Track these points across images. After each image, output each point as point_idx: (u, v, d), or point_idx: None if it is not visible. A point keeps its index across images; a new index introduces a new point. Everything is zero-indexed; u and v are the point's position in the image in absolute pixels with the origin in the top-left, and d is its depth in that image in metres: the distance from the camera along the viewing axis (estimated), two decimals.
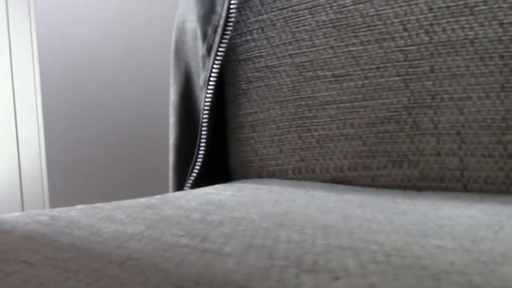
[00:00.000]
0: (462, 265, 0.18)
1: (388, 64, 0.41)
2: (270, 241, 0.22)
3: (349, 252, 0.21)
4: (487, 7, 0.37)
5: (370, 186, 0.42)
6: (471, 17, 0.37)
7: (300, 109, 0.45)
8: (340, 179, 0.43)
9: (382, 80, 0.41)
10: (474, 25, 0.37)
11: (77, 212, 0.30)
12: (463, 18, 0.38)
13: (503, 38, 0.36)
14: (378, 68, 0.41)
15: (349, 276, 0.17)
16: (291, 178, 0.45)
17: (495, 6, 0.37)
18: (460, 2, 0.38)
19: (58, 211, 0.31)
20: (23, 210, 0.84)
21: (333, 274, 0.17)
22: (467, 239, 0.22)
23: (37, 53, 0.79)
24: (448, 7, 0.38)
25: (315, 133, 0.44)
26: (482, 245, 0.21)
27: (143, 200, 0.35)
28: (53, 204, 0.83)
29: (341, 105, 0.43)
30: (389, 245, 0.21)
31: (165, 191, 0.58)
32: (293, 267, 0.18)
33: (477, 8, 0.37)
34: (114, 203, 0.34)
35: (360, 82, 0.42)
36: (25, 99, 0.81)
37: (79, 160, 0.85)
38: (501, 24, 0.36)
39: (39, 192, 0.84)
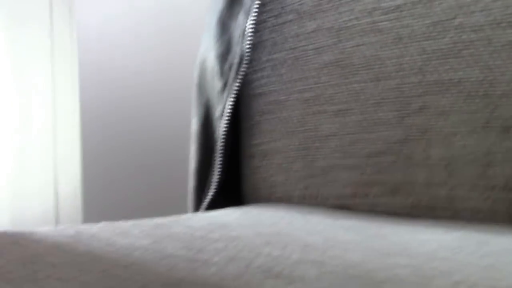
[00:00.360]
0: (403, 277, 0.22)
1: (385, 101, 0.44)
2: (252, 255, 0.27)
3: (315, 265, 0.24)
4: (473, 50, 0.41)
5: (368, 213, 0.45)
6: (459, 59, 0.41)
7: (305, 140, 0.49)
8: (342, 206, 0.47)
9: (379, 115, 0.45)
10: (461, 66, 0.41)
11: (98, 228, 0.35)
12: (451, 60, 0.41)
13: (487, 79, 0.40)
14: (375, 104, 0.45)
15: (303, 282, 0.21)
16: (296, 204, 0.49)
17: (481, 49, 0.40)
18: (450, 45, 0.42)
19: (83, 227, 0.36)
20: (57, 225, 0.90)
21: (290, 280, 0.21)
22: (423, 259, 0.26)
23: (77, 79, 0.86)
24: (438, 50, 0.42)
25: (319, 163, 0.48)
26: (431, 263, 0.25)
27: (158, 219, 0.40)
28: (87, 221, 0.89)
29: (343, 137, 0.47)
30: (351, 260, 0.25)
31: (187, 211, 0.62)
32: (261, 274, 0.23)
33: (464, 51, 0.41)
34: (132, 221, 0.39)
35: (360, 117, 0.46)
36: (65, 121, 0.87)
37: (112, 181, 0.90)
38: (485, 67, 0.40)
39: (74, 210, 0.89)
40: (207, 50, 0.55)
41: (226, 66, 0.51)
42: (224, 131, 0.50)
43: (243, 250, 0.28)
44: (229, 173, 0.53)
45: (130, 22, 0.92)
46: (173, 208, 0.90)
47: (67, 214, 0.88)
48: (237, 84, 0.50)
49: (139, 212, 0.90)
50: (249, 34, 0.50)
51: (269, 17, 0.52)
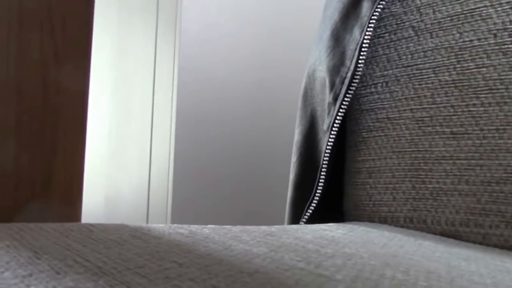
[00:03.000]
0: None
1: (508, 127, 0.42)
2: (376, 276, 0.26)
3: None
4: None
5: (480, 243, 0.43)
6: None
7: (416, 161, 0.47)
8: (451, 233, 0.45)
9: (500, 141, 0.42)
10: None
11: (209, 230, 0.35)
12: None
13: None
14: (497, 129, 0.42)
15: None
16: (402, 226, 0.47)
17: None
18: None
19: (194, 227, 0.36)
20: (147, 222, 0.93)
21: None
22: None
23: (176, 81, 0.89)
24: None
25: (429, 186, 0.46)
26: None
27: (264, 227, 0.39)
28: (174, 221, 0.91)
29: (457, 161, 0.44)
30: None
31: (277, 222, 0.62)
32: None
33: None
34: (240, 227, 0.39)
35: (478, 141, 0.43)
36: (161, 124, 0.90)
37: (202, 183, 0.92)
38: None
39: (163, 207, 0.92)
40: (318, 61, 0.54)
41: (338, 79, 0.50)
42: (331, 144, 0.49)
43: (364, 269, 0.27)
44: (329, 188, 0.52)
45: (230, 29, 0.94)
46: (257, 211, 0.90)
47: (156, 212, 0.90)
48: (347, 99, 0.49)
49: (224, 218, 0.92)
50: (364, 48, 0.49)
51: (384, 33, 0.51)
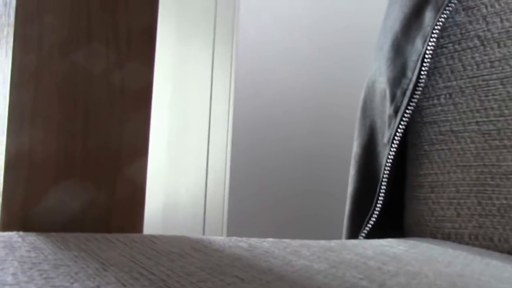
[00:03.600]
0: None
1: None
2: None
3: None
4: None
5: None
6: None
7: (482, 176, 0.45)
8: None
9: None
10: None
11: (269, 244, 0.35)
12: None
13: None
14: None
15: None
16: (466, 243, 0.46)
17: None
18: None
19: (253, 241, 0.36)
20: (204, 233, 0.94)
21: None
22: None
23: (233, 90, 0.90)
24: None
25: (497, 202, 0.44)
26: None
27: (323, 242, 0.39)
28: (229, 232, 0.92)
29: None
30: None
31: (334, 230, 0.61)
32: None
33: None
34: (298, 241, 0.38)
35: None
36: (218, 133, 0.91)
37: (259, 190, 0.92)
38: None
39: (219, 214, 0.93)
40: (378, 72, 0.53)
41: (399, 91, 0.49)
42: (392, 158, 0.48)
43: None
44: (389, 202, 0.51)
45: (287, 34, 0.94)
46: (313, 224, 0.89)
47: (213, 217, 0.91)
48: (409, 111, 0.48)
49: (281, 226, 0.91)
50: (427, 59, 0.48)
51: (448, 43, 0.50)
